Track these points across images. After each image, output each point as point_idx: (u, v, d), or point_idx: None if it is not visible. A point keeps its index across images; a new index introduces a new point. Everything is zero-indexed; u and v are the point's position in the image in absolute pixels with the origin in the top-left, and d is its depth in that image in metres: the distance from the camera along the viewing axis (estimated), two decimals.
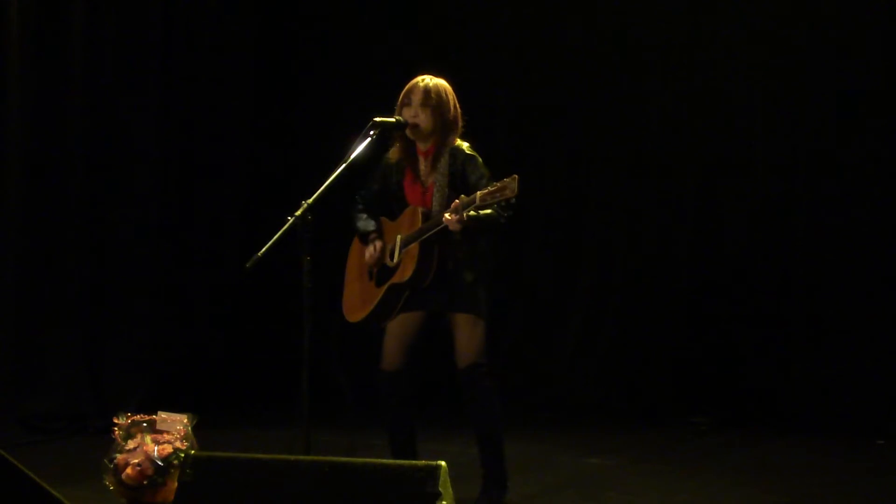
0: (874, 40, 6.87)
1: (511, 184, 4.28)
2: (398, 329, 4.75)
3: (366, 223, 4.83)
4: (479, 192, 4.36)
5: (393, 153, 4.81)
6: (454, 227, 4.41)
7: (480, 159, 4.67)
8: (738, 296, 7.16)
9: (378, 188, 4.86)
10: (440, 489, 3.64)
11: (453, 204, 4.42)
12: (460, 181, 4.61)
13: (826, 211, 6.96)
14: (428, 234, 4.54)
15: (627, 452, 6.17)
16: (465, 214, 4.38)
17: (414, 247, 4.60)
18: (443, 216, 4.44)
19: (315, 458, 3.97)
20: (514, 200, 4.33)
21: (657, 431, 6.82)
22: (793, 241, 7.05)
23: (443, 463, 3.71)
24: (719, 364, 7.13)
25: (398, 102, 4.71)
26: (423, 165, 4.72)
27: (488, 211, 4.44)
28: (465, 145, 4.70)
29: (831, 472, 5.76)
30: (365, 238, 4.81)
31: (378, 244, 4.77)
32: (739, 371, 7.08)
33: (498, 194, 4.31)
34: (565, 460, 6.00)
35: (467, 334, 4.64)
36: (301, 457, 4.00)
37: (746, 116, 7.18)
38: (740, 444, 6.49)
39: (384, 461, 3.99)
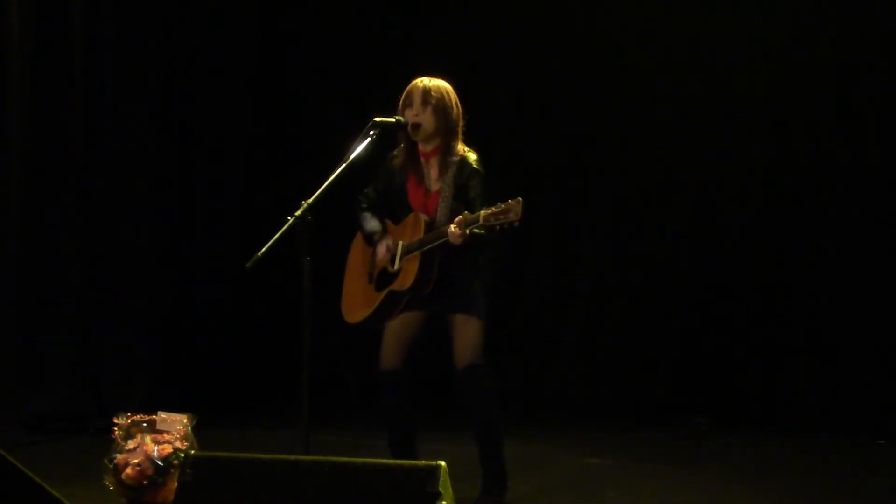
0: (875, 41, 6.87)
1: (515, 207, 4.26)
2: (398, 329, 4.75)
3: (372, 224, 4.83)
4: (482, 212, 4.34)
5: (396, 155, 4.81)
6: (456, 241, 4.41)
7: (484, 174, 4.66)
8: (738, 296, 7.16)
9: (382, 189, 4.86)
10: (440, 489, 3.64)
11: (457, 219, 4.42)
12: (464, 193, 4.62)
13: (826, 212, 6.95)
14: (431, 246, 4.54)
15: (627, 452, 6.18)
16: (467, 231, 4.38)
17: (415, 255, 4.60)
18: (447, 229, 4.44)
19: (315, 458, 3.97)
20: (517, 224, 4.29)
21: (657, 431, 6.82)
22: (793, 241, 7.05)
23: (443, 463, 3.71)
24: (719, 364, 7.13)
25: (399, 104, 4.71)
26: (426, 169, 4.73)
27: (482, 232, 4.42)
28: (472, 157, 4.68)
29: (831, 472, 5.77)
30: (371, 239, 4.82)
31: (386, 243, 4.76)
32: (739, 371, 7.08)
33: (502, 216, 4.29)
34: (565, 460, 6.00)
35: (465, 335, 4.65)
36: (301, 457, 4.00)
37: (746, 118, 7.17)
38: (740, 444, 6.49)
39: (384, 461, 3.99)
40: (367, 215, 4.86)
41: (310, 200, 4.24)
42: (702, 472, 5.69)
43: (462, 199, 4.59)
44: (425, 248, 4.57)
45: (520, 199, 4.28)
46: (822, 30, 6.97)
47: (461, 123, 4.74)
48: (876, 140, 6.86)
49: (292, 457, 3.99)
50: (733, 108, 7.19)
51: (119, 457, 4.73)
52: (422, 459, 4.22)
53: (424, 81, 4.70)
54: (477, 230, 4.37)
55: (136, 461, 4.68)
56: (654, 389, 7.29)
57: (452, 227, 4.42)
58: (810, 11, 6.99)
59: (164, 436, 4.78)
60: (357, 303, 4.85)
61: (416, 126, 4.65)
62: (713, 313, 7.22)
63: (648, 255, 7.42)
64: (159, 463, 4.67)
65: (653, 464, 5.92)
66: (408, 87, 4.72)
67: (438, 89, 4.68)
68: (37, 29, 6.75)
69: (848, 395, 6.76)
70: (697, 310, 7.27)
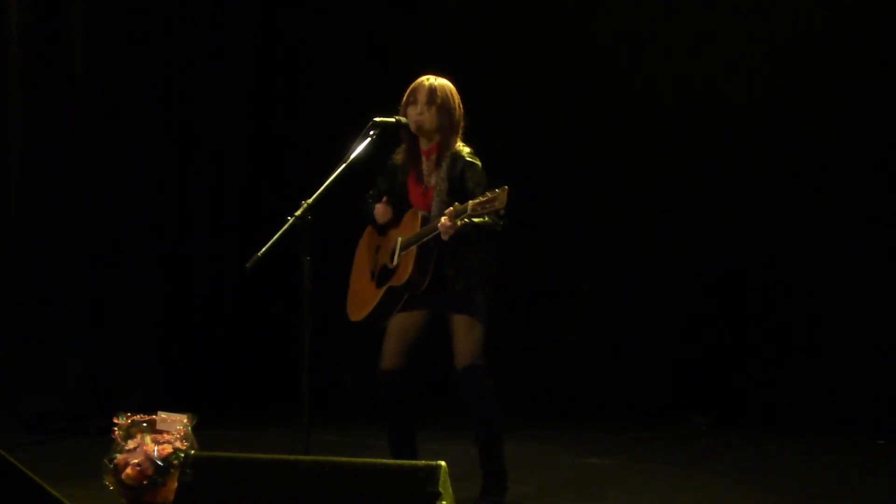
0: (875, 41, 6.87)
1: (501, 195, 4.32)
2: (398, 329, 4.76)
3: (373, 206, 4.85)
4: (469, 202, 4.39)
5: (397, 154, 4.83)
6: (446, 233, 4.44)
7: (480, 165, 4.69)
8: (738, 296, 7.16)
9: (385, 189, 4.88)
10: (440, 489, 3.64)
11: (447, 210, 4.45)
12: (459, 186, 4.63)
13: (826, 211, 6.95)
14: (425, 239, 4.56)
15: (627, 452, 6.18)
16: (457, 222, 4.39)
17: (412, 250, 4.62)
18: (437, 222, 4.46)
19: (315, 458, 3.97)
20: (503, 211, 4.38)
21: (657, 431, 6.82)
22: (792, 241, 7.05)
23: (443, 463, 3.70)
24: (719, 364, 7.13)
25: (403, 101, 4.73)
26: (425, 166, 4.74)
27: (485, 219, 4.46)
28: (466, 150, 4.71)
29: (831, 472, 5.77)
30: (373, 210, 4.82)
31: (384, 207, 4.78)
32: (739, 371, 7.08)
33: (488, 205, 4.34)
34: (565, 460, 6.00)
35: (465, 336, 4.65)
36: (301, 457, 4.00)
37: (746, 118, 7.17)
38: (740, 444, 6.49)
39: (384, 461, 3.99)
40: (373, 205, 4.88)
41: (310, 200, 4.25)
42: (702, 472, 5.69)
43: (461, 192, 4.59)
44: (421, 243, 4.58)
45: (506, 187, 4.33)
46: (822, 30, 6.97)
47: (462, 124, 4.76)
48: (876, 140, 6.86)
49: (292, 457, 3.99)
50: (733, 108, 7.18)
51: (119, 457, 4.73)
52: (422, 459, 4.22)
53: (430, 80, 4.72)
54: (467, 220, 4.39)
55: (136, 461, 4.68)
56: (654, 389, 7.29)
57: (443, 218, 4.44)
58: (811, 11, 6.99)
59: (164, 436, 4.78)
60: (360, 301, 4.87)
61: (419, 124, 4.67)
62: (713, 313, 7.21)
63: (648, 254, 7.42)
64: (159, 463, 4.67)
65: (653, 464, 5.92)
66: (413, 85, 4.74)
67: (443, 89, 4.71)
68: (37, 29, 6.75)
69: (848, 395, 6.76)
70: (697, 309, 7.26)
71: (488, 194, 4.35)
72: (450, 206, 4.52)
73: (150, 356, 7.18)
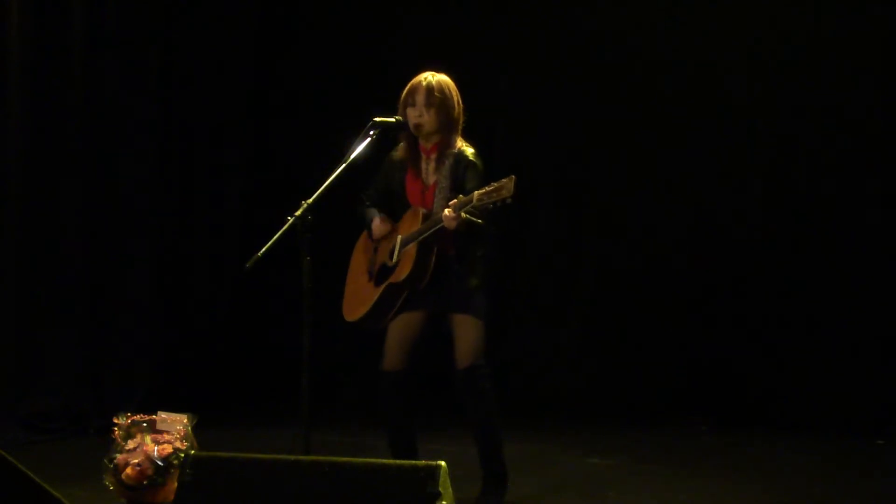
0: (874, 40, 6.87)
1: (508, 184, 4.30)
2: (399, 329, 4.75)
3: (371, 211, 4.85)
4: (476, 192, 4.38)
5: (396, 151, 4.82)
6: (450, 223, 4.43)
7: (482, 166, 4.67)
8: (738, 296, 7.16)
9: (382, 187, 4.88)
10: (440, 489, 3.64)
11: (451, 202, 4.44)
12: (461, 186, 4.62)
13: (827, 212, 6.95)
14: (426, 234, 4.56)
15: (627, 452, 6.18)
16: (461, 213, 4.39)
17: (412, 247, 4.61)
18: (441, 214, 4.45)
19: (315, 458, 3.97)
20: (510, 201, 4.33)
21: (657, 431, 6.82)
22: (792, 241, 7.05)
23: (443, 463, 3.71)
24: (719, 364, 7.13)
25: (401, 101, 4.72)
26: (425, 164, 4.74)
27: (479, 221, 4.44)
28: (469, 151, 4.70)
29: (831, 472, 5.77)
30: (371, 223, 4.82)
31: (381, 217, 4.78)
32: (739, 371, 7.08)
33: (494, 194, 4.32)
34: (565, 460, 6.00)
35: (466, 335, 4.65)
36: (301, 457, 4.00)
37: (745, 119, 7.18)
38: (740, 444, 6.49)
39: (384, 461, 3.98)
40: (371, 210, 4.87)
41: (310, 200, 4.25)
42: (702, 472, 5.69)
43: (461, 190, 4.59)
44: (422, 238, 4.58)
45: (513, 176, 4.32)
46: (822, 29, 6.97)
47: (462, 119, 4.75)
48: (875, 141, 6.86)
49: (292, 457, 3.99)
50: (734, 109, 7.19)
51: (119, 457, 4.73)
52: (422, 459, 4.22)
53: (428, 79, 4.70)
54: (471, 210, 4.38)
55: (136, 461, 4.68)
56: (654, 389, 7.28)
57: (447, 210, 4.43)
58: (811, 13, 6.99)
59: (164, 436, 4.78)
60: (357, 300, 4.85)
61: (418, 126, 4.66)
62: (713, 313, 7.21)
63: (649, 255, 7.42)
64: (159, 463, 4.68)
65: (653, 464, 5.92)
66: (411, 84, 4.72)
67: (441, 87, 4.69)
68: (37, 29, 6.74)
69: (848, 395, 6.76)
70: (697, 310, 7.26)
71: (494, 184, 4.34)
72: None
73: (150, 356, 7.18)
